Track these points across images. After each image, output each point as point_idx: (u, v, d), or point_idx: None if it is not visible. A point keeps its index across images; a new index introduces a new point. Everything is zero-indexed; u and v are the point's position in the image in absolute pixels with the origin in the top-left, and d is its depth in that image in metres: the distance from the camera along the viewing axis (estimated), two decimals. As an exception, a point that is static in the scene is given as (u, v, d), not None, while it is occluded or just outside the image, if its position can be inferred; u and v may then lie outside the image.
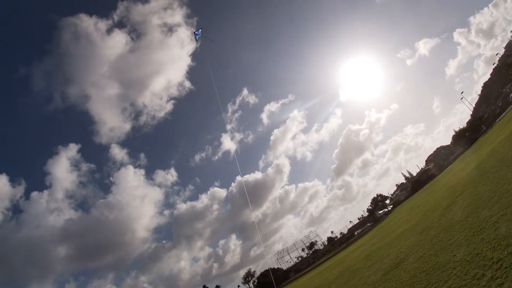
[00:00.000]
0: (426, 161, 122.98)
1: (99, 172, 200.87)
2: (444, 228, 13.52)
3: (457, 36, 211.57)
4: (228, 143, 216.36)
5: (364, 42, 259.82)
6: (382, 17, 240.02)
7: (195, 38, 22.22)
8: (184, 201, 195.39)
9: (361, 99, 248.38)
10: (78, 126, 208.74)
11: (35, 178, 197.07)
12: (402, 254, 14.63)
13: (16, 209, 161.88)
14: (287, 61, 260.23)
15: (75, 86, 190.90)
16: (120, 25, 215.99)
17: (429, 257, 11.02)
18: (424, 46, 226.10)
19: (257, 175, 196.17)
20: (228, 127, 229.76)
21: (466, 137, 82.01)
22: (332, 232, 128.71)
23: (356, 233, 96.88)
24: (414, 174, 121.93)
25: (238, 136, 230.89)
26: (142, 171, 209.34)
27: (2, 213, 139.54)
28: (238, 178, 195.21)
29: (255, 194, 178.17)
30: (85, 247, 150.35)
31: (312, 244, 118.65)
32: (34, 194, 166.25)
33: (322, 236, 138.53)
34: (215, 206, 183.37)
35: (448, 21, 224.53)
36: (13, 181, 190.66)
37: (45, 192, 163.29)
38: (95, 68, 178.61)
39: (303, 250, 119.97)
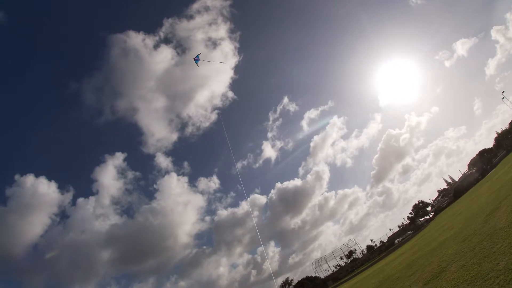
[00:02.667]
0: (468, 165, 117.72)
1: (144, 179, 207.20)
2: (487, 235, 12.98)
3: (495, 33, 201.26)
4: (269, 151, 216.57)
5: (401, 46, 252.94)
6: (417, 19, 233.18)
7: (196, 63, 22.84)
8: (225, 208, 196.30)
9: (401, 102, 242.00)
10: (126, 136, 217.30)
11: (83, 185, 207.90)
12: (444, 263, 14.09)
13: (63, 215, 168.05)
14: (326, 68, 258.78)
15: (123, 100, 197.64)
16: (166, 40, 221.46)
17: (472, 266, 10.59)
18: (462, 47, 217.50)
19: (297, 182, 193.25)
20: (269, 134, 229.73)
21: (509, 138, 78.33)
22: (371, 240, 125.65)
23: (396, 241, 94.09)
24: (456, 179, 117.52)
25: (279, 143, 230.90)
26: (186, 179, 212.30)
27: (50, 218, 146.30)
28: (278, 185, 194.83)
29: (294, 201, 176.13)
30: (128, 251, 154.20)
31: (351, 253, 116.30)
32: (80, 200, 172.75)
33: (361, 245, 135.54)
34: (255, 213, 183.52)
35: (484, 20, 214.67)
36: (61, 188, 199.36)
37: (91, 198, 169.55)
38: (143, 82, 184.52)
39: (341, 258, 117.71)
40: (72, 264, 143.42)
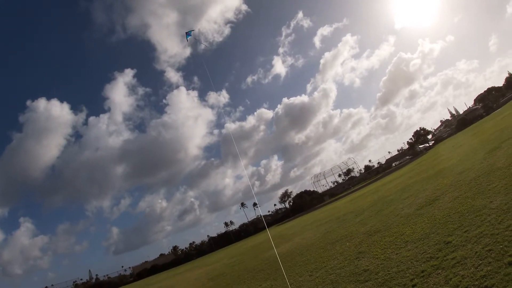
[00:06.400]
0: (474, 100, 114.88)
1: (154, 95, 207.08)
2: (485, 172, 13.20)
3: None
4: (279, 66, 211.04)
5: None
6: None
7: (187, 38, 21.16)
8: (233, 121, 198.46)
9: (416, 26, 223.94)
10: (138, 54, 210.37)
11: (95, 104, 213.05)
12: (438, 191, 14.53)
13: (78, 135, 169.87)
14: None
15: (135, 16, 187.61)
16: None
17: (465, 199, 10.94)
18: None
19: (304, 98, 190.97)
20: (281, 50, 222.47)
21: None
22: (370, 161, 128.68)
23: (394, 164, 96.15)
24: (461, 112, 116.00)
25: (290, 59, 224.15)
26: (196, 93, 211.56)
27: (65, 139, 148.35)
28: (285, 100, 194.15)
29: (300, 117, 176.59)
30: (141, 165, 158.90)
31: (349, 171, 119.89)
32: (92, 118, 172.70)
33: (359, 164, 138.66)
34: (261, 127, 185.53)
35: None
36: (74, 108, 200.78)
37: (104, 116, 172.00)
38: None
39: (339, 175, 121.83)
40: (89, 181, 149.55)
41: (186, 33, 21.34)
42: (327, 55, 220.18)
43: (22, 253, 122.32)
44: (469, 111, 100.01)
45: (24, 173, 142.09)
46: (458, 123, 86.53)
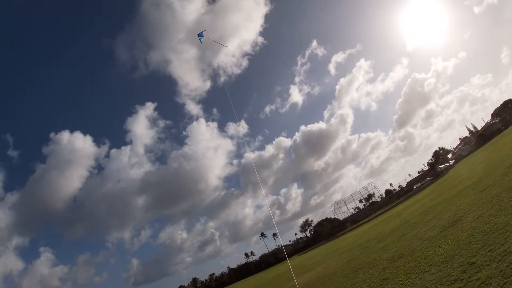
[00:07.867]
0: (492, 114, 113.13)
1: (175, 127, 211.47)
2: (506, 188, 12.91)
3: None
4: (296, 95, 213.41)
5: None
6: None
7: (200, 39, 21.52)
8: (253, 151, 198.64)
9: (428, 47, 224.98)
10: (160, 88, 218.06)
11: (117, 137, 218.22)
12: (461, 212, 14.21)
13: (100, 167, 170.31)
14: (356, 10, 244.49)
15: (156, 52, 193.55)
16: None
17: (488, 217, 10.68)
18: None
19: (321, 125, 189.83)
20: (297, 79, 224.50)
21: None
22: (390, 184, 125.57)
23: (415, 187, 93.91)
24: (479, 128, 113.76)
25: (306, 88, 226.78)
26: (215, 124, 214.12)
27: (88, 171, 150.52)
28: (303, 127, 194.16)
29: (318, 143, 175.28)
30: (162, 196, 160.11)
31: (369, 196, 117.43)
32: (113, 151, 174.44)
33: (380, 188, 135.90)
34: (280, 156, 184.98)
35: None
36: (97, 141, 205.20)
37: (125, 148, 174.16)
38: (174, 34, 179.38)
39: (360, 201, 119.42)
40: (110, 212, 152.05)
41: (198, 35, 21.63)
42: (342, 81, 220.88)
43: (42, 283, 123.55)
44: (487, 127, 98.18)
45: (46, 204, 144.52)
46: (477, 140, 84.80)
